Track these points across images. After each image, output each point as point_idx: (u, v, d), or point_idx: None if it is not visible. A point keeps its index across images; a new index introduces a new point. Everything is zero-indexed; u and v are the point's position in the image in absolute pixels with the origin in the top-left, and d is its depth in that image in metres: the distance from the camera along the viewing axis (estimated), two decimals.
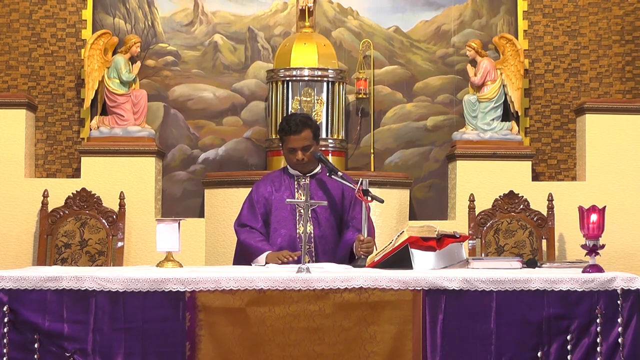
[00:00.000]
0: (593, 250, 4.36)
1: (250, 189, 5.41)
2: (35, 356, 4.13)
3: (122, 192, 7.20)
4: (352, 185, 5.05)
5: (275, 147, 7.25)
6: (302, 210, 5.11)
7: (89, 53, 7.45)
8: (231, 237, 6.05)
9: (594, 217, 4.35)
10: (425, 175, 7.79)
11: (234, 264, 5.37)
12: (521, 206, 7.24)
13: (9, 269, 4.55)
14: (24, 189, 7.27)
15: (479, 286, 4.17)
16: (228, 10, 7.85)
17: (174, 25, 7.83)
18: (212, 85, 7.80)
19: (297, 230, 5.15)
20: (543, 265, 4.94)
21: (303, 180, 5.22)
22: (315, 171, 5.25)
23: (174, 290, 4.13)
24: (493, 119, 7.60)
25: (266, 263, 5.01)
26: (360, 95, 7.67)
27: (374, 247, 4.98)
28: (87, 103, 7.51)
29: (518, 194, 7.26)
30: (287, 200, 5.06)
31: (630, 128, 7.47)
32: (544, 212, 7.23)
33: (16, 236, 7.22)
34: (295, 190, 5.21)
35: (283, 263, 4.90)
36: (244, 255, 5.21)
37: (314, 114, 7.30)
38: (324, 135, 7.33)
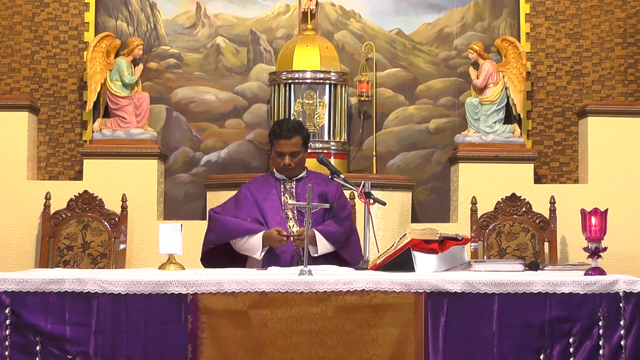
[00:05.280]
0: (595, 253, 4.36)
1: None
2: (37, 358, 4.13)
3: (124, 195, 7.20)
4: (353, 188, 5.06)
5: None
6: (289, 213, 5.14)
7: (92, 55, 7.45)
8: None
9: (596, 220, 4.35)
10: (427, 178, 7.79)
11: (204, 252, 5.23)
12: (523, 209, 7.23)
13: (11, 272, 4.55)
14: (26, 192, 7.27)
15: (481, 289, 4.17)
16: (230, 12, 7.85)
17: (176, 28, 7.84)
18: (214, 87, 7.80)
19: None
20: (545, 268, 4.94)
21: (289, 184, 5.23)
22: (301, 175, 5.26)
23: (176, 292, 4.13)
24: (495, 122, 7.59)
25: (263, 244, 5.01)
26: (363, 98, 7.66)
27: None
28: (90, 105, 7.52)
29: (520, 196, 7.25)
30: (289, 202, 5.07)
31: (633, 130, 7.46)
32: (546, 214, 7.22)
33: (18, 238, 7.22)
34: (282, 193, 5.21)
35: (280, 242, 4.95)
36: (219, 235, 5.12)
37: (316, 116, 7.30)
38: (326, 138, 7.34)
